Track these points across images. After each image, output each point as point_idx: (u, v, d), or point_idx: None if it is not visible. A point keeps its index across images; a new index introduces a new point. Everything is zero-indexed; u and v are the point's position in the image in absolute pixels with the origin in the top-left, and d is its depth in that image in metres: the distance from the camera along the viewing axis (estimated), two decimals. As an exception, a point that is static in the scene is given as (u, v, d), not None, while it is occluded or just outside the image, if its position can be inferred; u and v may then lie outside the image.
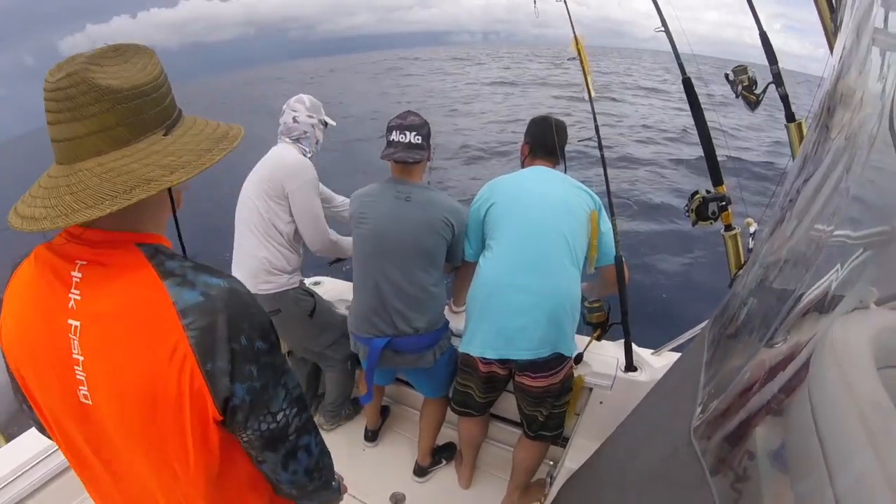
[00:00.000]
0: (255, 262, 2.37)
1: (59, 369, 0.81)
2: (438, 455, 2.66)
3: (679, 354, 2.15)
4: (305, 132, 2.44)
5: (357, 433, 2.86)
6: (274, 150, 2.44)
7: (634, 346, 2.22)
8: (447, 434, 2.67)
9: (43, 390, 0.85)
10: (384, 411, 2.94)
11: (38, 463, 1.90)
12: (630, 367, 2.19)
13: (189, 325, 0.77)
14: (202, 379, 0.78)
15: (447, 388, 2.41)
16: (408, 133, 2.03)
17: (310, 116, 2.44)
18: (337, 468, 2.50)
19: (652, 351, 2.26)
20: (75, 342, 0.78)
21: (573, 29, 2.26)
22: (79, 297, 0.78)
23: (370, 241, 2.12)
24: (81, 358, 0.78)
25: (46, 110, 0.74)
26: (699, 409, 0.97)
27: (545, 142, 2.18)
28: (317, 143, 2.51)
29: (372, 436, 2.83)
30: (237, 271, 2.42)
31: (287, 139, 2.43)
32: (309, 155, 2.45)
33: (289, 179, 2.31)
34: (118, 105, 0.74)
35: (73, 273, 0.79)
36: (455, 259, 2.23)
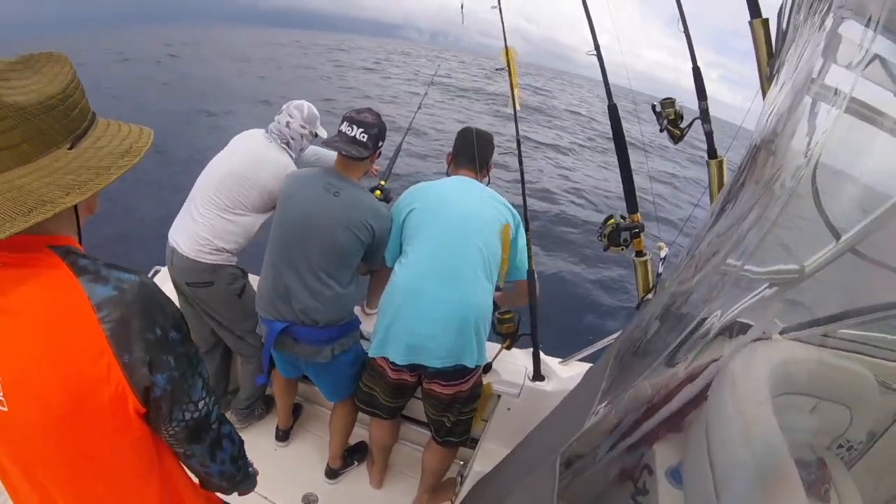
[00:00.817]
0: (205, 230, 2.35)
1: None
2: (350, 456, 2.67)
3: (585, 364, 2.27)
4: (293, 139, 2.49)
5: (268, 432, 2.82)
6: (265, 143, 2.45)
7: (543, 356, 2.30)
8: (359, 433, 2.68)
9: None
10: (296, 410, 2.92)
11: None
12: (538, 376, 2.28)
13: (104, 319, 0.77)
14: (120, 371, 0.78)
15: (350, 391, 2.39)
16: (355, 128, 2.02)
17: (302, 127, 2.49)
18: None
19: (560, 360, 2.36)
20: None
21: (504, 38, 2.28)
22: None
23: (287, 225, 2.10)
24: None
25: None
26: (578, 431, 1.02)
27: (469, 152, 2.21)
28: (301, 150, 2.57)
29: (283, 435, 2.80)
30: (178, 233, 2.40)
31: (278, 140, 2.47)
32: (294, 157, 2.50)
33: (275, 182, 2.32)
34: (24, 122, 0.72)
35: None
36: (373, 263, 2.23)
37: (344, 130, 2.05)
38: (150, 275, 2.89)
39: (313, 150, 2.72)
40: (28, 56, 0.76)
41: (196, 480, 1.06)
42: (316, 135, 2.59)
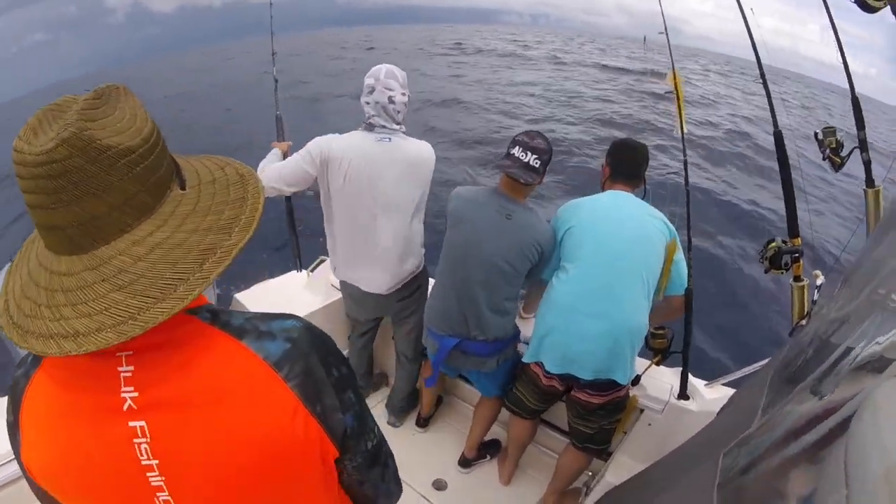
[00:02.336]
0: (401, 245, 2.35)
1: (122, 486, 0.69)
2: (484, 450, 2.76)
3: (730, 390, 2.18)
4: (399, 112, 2.23)
5: (410, 418, 3.00)
6: (399, 143, 2.24)
7: (690, 376, 2.26)
8: (495, 431, 2.77)
9: None
10: (438, 400, 3.06)
11: None
12: (683, 395, 2.24)
13: (287, 376, 0.70)
14: (316, 423, 0.73)
15: (502, 391, 2.49)
16: (529, 154, 2.04)
17: (403, 94, 2.22)
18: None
19: (705, 382, 2.29)
20: (143, 447, 0.66)
21: (672, 62, 2.29)
22: (136, 395, 0.65)
23: (462, 247, 2.21)
24: (155, 462, 0.67)
25: (34, 190, 0.57)
26: (733, 453, 1.01)
27: (627, 166, 2.22)
28: (403, 120, 2.29)
29: (424, 422, 2.96)
30: (371, 274, 2.39)
31: (391, 125, 2.23)
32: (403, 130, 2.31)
33: (430, 172, 2.35)
34: (136, 167, 0.61)
35: (119, 368, 0.65)
36: (535, 277, 2.29)
37: (517, 156, 2.06)
38: (314, 265, 3.21)
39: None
40: (97, 91, 0.62)
41: None
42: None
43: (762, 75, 2.11)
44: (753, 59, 2.09)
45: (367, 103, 2.21)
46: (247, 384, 0.69)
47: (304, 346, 0.74)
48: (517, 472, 2.70)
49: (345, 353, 2.99)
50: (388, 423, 3.00)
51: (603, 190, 2.28)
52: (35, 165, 0.55)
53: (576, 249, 2.10)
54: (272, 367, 0.70)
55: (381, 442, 0.90)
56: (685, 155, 2.33)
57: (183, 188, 0.68)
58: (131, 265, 0.60)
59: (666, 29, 2.45)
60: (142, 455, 0.66)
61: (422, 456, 2.81)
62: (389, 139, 2.23)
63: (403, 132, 2.29)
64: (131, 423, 0.65)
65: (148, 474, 0.67)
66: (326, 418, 0.74)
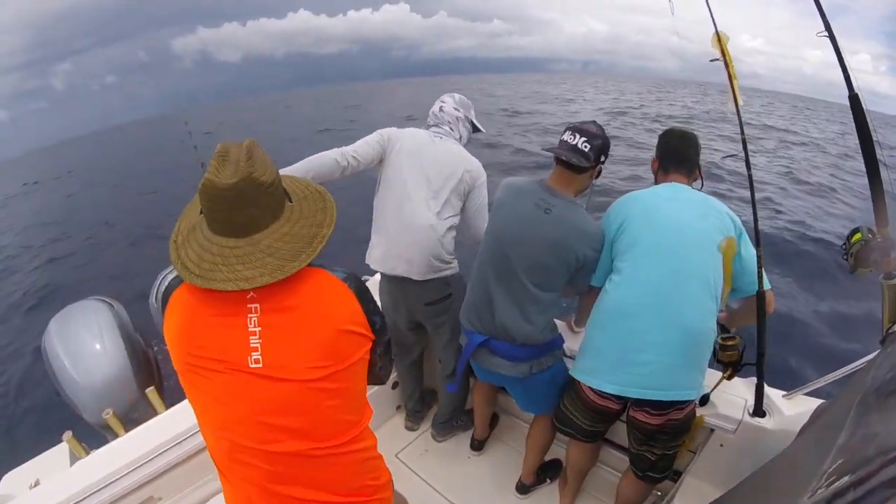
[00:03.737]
0: (423, 249, 2.32)
1: (230, 346, 1.10)
2: (543, 474, 2.60)
3: (813, 401, 1.93)
4: (449, 122, 2.45)
5: (465, 439, 2.87)
6: (442, 142, 2.39)
7: (766, 389, 2.01)
8: (556, 450, 2.59)
9: (211, 371, 1.11)
10: (493, 419, 2.92)
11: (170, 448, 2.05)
12: (758, 411, 1.99)
13: (349, 286, 1.21)
14: (363, 316, 1.21)
15: (546, 408, 2.29)
16: (578, 136, 1.93)
17: (455, 109, 2.47)
18: (443, 475, 2.99)
19: (784, 393, 2.03)
20: (253, 319, 1.09)
21: (714, 23, 1.95)
22: (254, 295, 1.10)
23: (495, 239, 2.07)
24: (258, 329, 1.09)
25: (220, 203, 1.04)
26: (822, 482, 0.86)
27: (677, 153, 2.05)
28: (461, 139, 2.49)
29: (478, 445, 2.82)
30: (398, 258, 2.36)
31: (443, 126, 2.45)
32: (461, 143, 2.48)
33: (477, 178, 2.36)
34: (275, 192, 1.10)
35: (246, 296, 1.10)
36: (579, 286, 2.11)
37: (565, 139, 1.95)
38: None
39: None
40: (245, 149, 1.06)
41: None
42: (473, 123, 2.52)
43: (828, 28, 1.72)
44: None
45: (428, 116, 2.55)
46: (329, 284, 1.19)
47: (352, 276, 1.25)
48: (580, 496, 2.51)
49: (394, 376, 2.95)
50: (434, 437, 2.92)
51: (657, 184, 2.09)
52: (224, 190, 1.02)
53: (631, 247, 1.89)
54: (341, 280, 1.21)
55: (390, 340, 1.44)
56: (743, 133, 1.98)
57: (291, 202, 1.17)
58: (274, 244, 1.09)
59: None
60: (250, 324, 1.09)
61: (478, 480, 2.68)
62: (441, 137, 2.44)
63: (447, 133, 2.45)
64: (249, 305, 1.10)
65: (250, 338, 1.09)
66: (368, 314, 1.23)
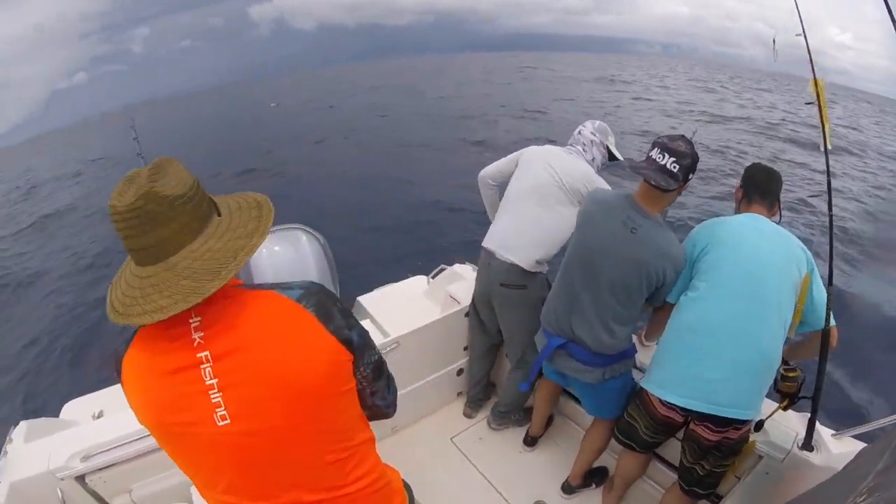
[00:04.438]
0: (521, 237, 2.55)
1: (191, 408, 0.98)
2: (590, 478, 2.67)
3: (859, 444, 1.97)
4: (583, 146, 2.62)
5: (518, 435, 2.99)
6: (569, 156, 2.60)
7: (817, 425, 2.04)
8: (603, 459, 2.67)
9: (184, 435, 1.01)
10: (549, 420, 3.01)
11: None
12: (807, 445, 2.02)
13: (307, 306, 1.03)
14: (331, 336, 1.04)
15: (611, 413, 2.38)
16: (667, 156, 1.92)
17: (593, 134, 2.62)
18: (493, 464, 3.11)
19: (833, 432, 2.05)
20: (206, 370, 0.97)
21: (812, 69, 2.04)
22: (201, 333, 0.98)
23: (581, 250, 2.15)
24: (215, 381, 0.97)
25: (125, 228, 0.91)
26: None
27: (761, 187, 2.11)
28: (593, 160, 2.63)
29: (531, 441, 2.93)
30: (498, 239, 2.62)
31: (577, 146, 2.64)
32: (593, 167, 2.63)
33: (584, 186, 2.49)
34: (189, 205, 0.95)
35: (190, 321, 0.98)
36: (656, 301, 2.17)
37: (654, 157, 1.94)
38: (435, 272, 3.37)
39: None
40: (153, 164, 0.96)
41: None
42: (609, 152, 2.66)
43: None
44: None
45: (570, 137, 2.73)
46: (281, 312, 1.02)
47: (313, 290, 1.07)
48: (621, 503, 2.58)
49: (462, 363, 3.07)
50: (489, 424, 3.08)
51: (738, 213, 2.16)
52: (125, 212, 0.90)
53: (711, 270, 1.97)
54: (296, 302, 1.03)
55: (383, 361, 1.23)
56: (829, 175, 2.06)
57: (219, 215, 1.03)
58: (192, 264, 0.94)
59: (804, 30, 2.14)
60: (206, 377, 0.97)
61: (526, 475, 2.79)
62: (572, 153, 2.63)
63: (588, 160, 2.62)
64: (198, 354, 0.97)
65: (210, 393, 0.97)
66: (338, 333, 1.05)
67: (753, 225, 2.03)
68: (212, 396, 0.97)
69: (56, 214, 14.19)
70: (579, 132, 2.66)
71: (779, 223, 2.09)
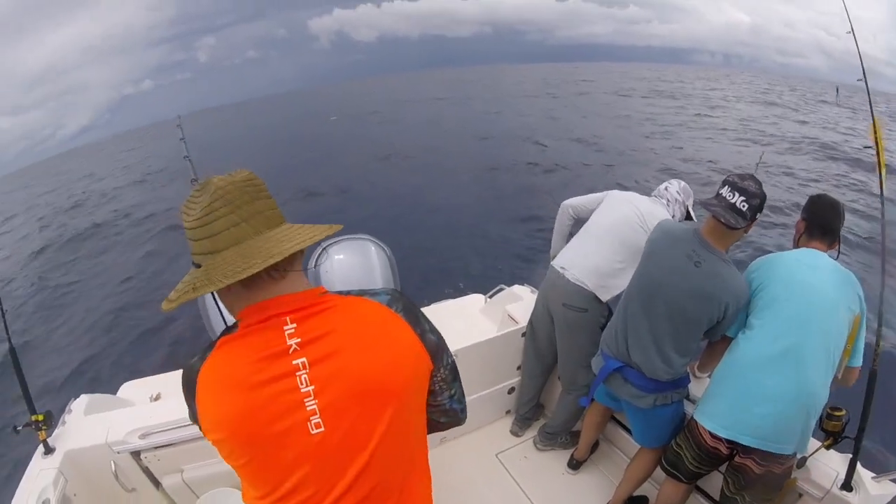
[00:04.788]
0: (594, 263, 2.68)
1: (286, 416, 0.95)
2: None
3: None
4: (668, 201, 2.76)
5: (563, 457, 3.05)
6: (654, 204, 2.73)
7: (858, 466, 2.06)
8: (645, 489, 2.71)
9: (273, 445, 0.96)
10: (595, 446, 3.07)
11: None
12: (847, 486, 2.04)
13: (397, 310, 1.04)
14: (418, 339, 1.05)
15: (658, 442, 2.44)
16: (737, 195, 1.98)
17: (678, 193, 2.78)
18: (536, 483, 3.14)
19: (874, 475, 2.07)
20: (303, 377, 0.95)
21: (872, 114, 2.13)
22: (297, 340, 0.96)
23: (645, 281, 2.24)
24: (312, 388, 0.95)
25: (234, 199, 0.94)
26: None
27: (825, 223, 2.11)
28: (673, 216, 2.74)
29: (576, 465, 2.99)
30: (568, 260, 2.77)
31: (657, 197, 2.79)
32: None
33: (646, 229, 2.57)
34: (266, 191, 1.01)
35: (284, 328, 0.96)
36: (714, 335, 2.23)
37: (724, 195, 2.01)
38: (493, 292, 3.47)
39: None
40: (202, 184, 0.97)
41: None
42: (688, 211, 2.80)
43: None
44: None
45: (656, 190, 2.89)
46: (374, 316, 1.03)
47: (397, 296, 1.08)
48: None
49: (514, 382, 3.18)
50: (535, 444, 3.16)
51: (796, 246, 2.19)
52: (236, 182, 0.95)
53: (767, 307, 2.03)
54: (386, 306, 1.05)
55: (456, 364, 1.20)
56: (883, 217, 2.13)
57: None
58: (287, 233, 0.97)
59: (865, 75, 2.23)
60: (301, 384, 0.95)
61: (567, 496, 2.85)
62: (655, 200, 2.78)
63: (664, 205, 2.75)
64: (295, 361, 0.95)
65: (305, 401, 0.95)
66: (423, 336, 1.06)
67: (810, 262, 2.05)
68: (307, 404, 0.95)
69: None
70: (665, 188, 2.81)
71: (836, 258, 2.11)
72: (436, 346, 1.09)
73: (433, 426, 1.23)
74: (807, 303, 1.96)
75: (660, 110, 29.51)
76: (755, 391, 1.96)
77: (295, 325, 0.97)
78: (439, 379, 1.13)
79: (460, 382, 1.24)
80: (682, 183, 2.83)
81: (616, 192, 2.86)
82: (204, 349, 1.02)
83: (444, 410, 1.21)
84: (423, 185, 13.99)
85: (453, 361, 1.18)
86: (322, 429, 0.96)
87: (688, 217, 2.81)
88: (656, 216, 2.58)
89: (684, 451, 2.24)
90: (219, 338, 1.02)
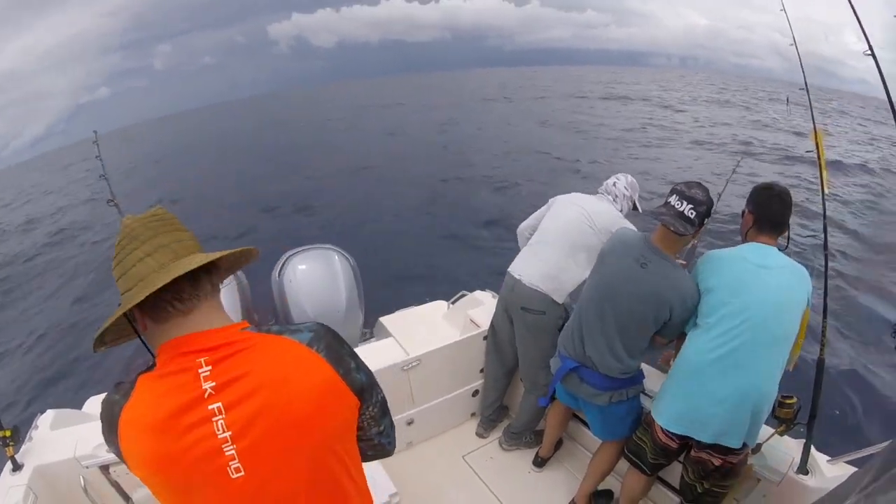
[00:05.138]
0: (549, 267, 2.76)
1: (202, 463, 0.92)
2: (595, 500, 2.77)
3: (852, 468, 2.07)
4: (615, 196, 2.85)
5: (528, 456, 3.10)
6: (600, 202, 2.84)
7: (812, 450, 2.17)
8: (609, 482, 2.78)
9: (192, 491, 0.94)
10: (558, 444, 3.13)
11: None
12: (803, 469, 2.15)
13: (318, 350, 1.00)
14: (341, 380, 1.02)
15: (616, 436, 2.51)
16: (685, 203, 2.05)
17: (626, 189, 2.87)
18: (503, 483, 3.20)
19: (828, 458, 2.17)
20: (219, 423, 0.91)
21: (813, 121, 2.25)
22: (213, 384, 0.92)
23: (598, 282, 2.32)
24: (229, 433, 0.91)
25: (154, 226, 0.99)
26: None
27: (772, 215, 2.12)
28: (621, 211, 2.85)
29: (540, 462, 3.05)
30: (522, 266, 2.86)
31: (607, 195, 2.87)
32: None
33: (613, 227, 2.61)
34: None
35: (200, 370, 0.93)
36: (668, 334, 2.29)
37: (672, 203, 2.08)
38: (455, 298, 3.52)
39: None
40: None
41: None
42: (635, 205, 2.90)
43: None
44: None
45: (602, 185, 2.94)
46: (292, 356, 0.99)
47: (322, 333, 1.05)
48: None
49: (477, 384, 3.22)
50: (501, 445, 3.21)
51: (744, 239, 2.20)
52: (151, 215, 1.01)
53: (716, 309, 2.06)
54: (307, 346, 1.00)
55: (385, 400, 1.18)
56: (825, 217, 2.25)
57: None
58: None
59: (807, 86, 2.38)
60: (218, 430, 0.92)
61: (534, 494, 2.91)
62: (600, 198, 2.89)
63: (611, 201, 2.86)
64: (210, 406, 0.92)
65: (223, 447, 0.92)
66: (347, 375, 1.03)
67: (759, 261, 2.07)
68: (225, 450, 0.92)
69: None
70: (614, 184, 2.88)
71: (786, 247, 2.17)
72: (362, 385, 1.07)
73: (361, 457, 1.20)
74: (759, 304, 1.99)
75: (612, 113, 30.07)
76: (706, 391, 2.02)
77: (210, 367, 0.94)
78: (368, 416, 1.12)
79: (390, 418, 1.22)
80: (630, 178, 2.91)
81: (561, 197, 2.95)
82: (126, 387, 0.98)
83: (373, 445, 1.20)
84: (385, 193, 13.97)
85: (383, 398, 1.17)
86: (242, 472, 0.93)
87: (634, 208, 2.91)
88: (602, 213, 2.73)
89: (644, 443, 2.32)
90: (139, 375, 0.99)
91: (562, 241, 2.78)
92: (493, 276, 3.00)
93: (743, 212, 2.23)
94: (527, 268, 2.83)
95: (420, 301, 3.78)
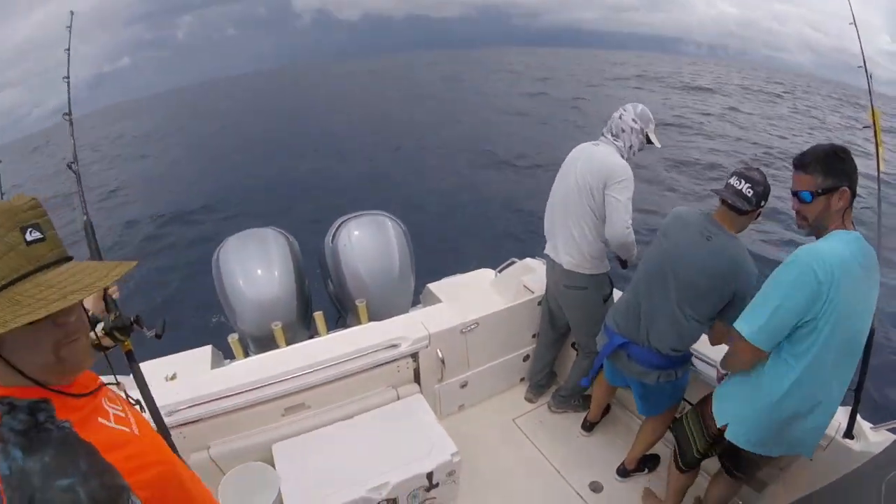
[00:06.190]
0: (567, 246, 2.78)
1: None
2: (643, 464, 2.83)
3: (893, 436, 2.12)
4: (623, 130, 2.65)
5: (577, 420, 3.18)
6: (593, 149, 2.68)
7: (858, 417, 2.19)
8: (657, 447, 2.84)
9: None
10: (607, 409, 3.20)
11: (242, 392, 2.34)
12: (849, 434, 2.18)
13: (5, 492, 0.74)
14: None
15: (660, 410, 2.56)
16: (743, 182, 2.11)
17: (633, 121, 2.65)
18: (552, 445, 3.24)
19: (871, 425, 2.20)
20: None
21: (871, 99, 2.22)
22: None
23: (658, 259, 2.32)
24: None
25: (42, 217, 0.86)
26: None
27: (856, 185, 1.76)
28: (630, 148, 2.67)
29: (589, 426, 3.12)
30: (550, 245, 2.90)
31: (607, 134, 2.68)
32: (623, 155, 2.65)
33: (610, 177, 2.56)
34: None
35: None
36: (729, 318, 2.05)
37: (732, 183, 2.14)
38: (503, 266, 3.55)
39: None
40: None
41: None
42: (648, 137, 2.69)
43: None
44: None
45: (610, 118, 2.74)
46: None
47: (13, 482, 0.76)
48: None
49: (528, 349, 3.30)
50: (550, 408, 3.29)
51: (828, 227, 1.77)
52: (37, 205, 0.87)
53: (808, 351, 1.74)
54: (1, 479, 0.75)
55: None
56: (879, 193, 2.21)
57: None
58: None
59: (865, 63, 2.26)
60: None
61: (583, 457, 2.98)
62: (597, 144, 2.72)
63: (617, 146, 2.66)
64: None
65: None
66: None
67: (865, 262, 1.72)
68: None
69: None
70: (620, 116, 2.66)
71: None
72: None
73: None
74: (857, 330, 1.77)
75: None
76: (793, 429, 1.89)
77: None
78: None
79: None
80: (641, 107, 2.69)
81: (566, 160, 2.84)
82: None
83: None
84: (429, 167, 14.06)
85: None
86: None
87: (649, 142, 2.72)
88: (594, 170, 2.61)
89: (695, 435, 2.26)
90: None
91: (563, 218, 2.80)
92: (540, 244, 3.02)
93: (820, 191, 1.73)
94: (552, 248, 2.91)
95: (465, 269, 3.84)
